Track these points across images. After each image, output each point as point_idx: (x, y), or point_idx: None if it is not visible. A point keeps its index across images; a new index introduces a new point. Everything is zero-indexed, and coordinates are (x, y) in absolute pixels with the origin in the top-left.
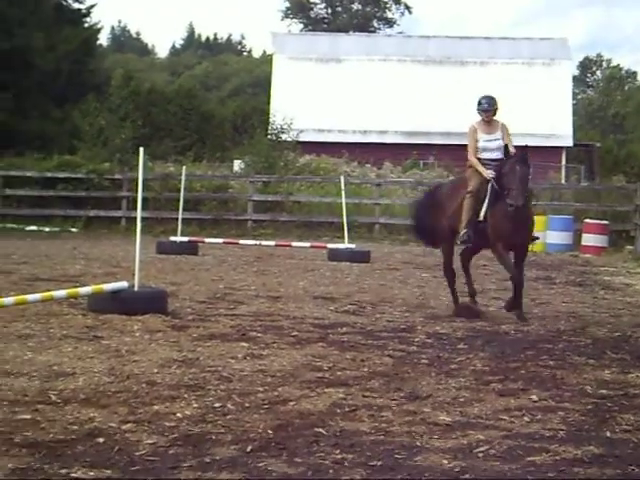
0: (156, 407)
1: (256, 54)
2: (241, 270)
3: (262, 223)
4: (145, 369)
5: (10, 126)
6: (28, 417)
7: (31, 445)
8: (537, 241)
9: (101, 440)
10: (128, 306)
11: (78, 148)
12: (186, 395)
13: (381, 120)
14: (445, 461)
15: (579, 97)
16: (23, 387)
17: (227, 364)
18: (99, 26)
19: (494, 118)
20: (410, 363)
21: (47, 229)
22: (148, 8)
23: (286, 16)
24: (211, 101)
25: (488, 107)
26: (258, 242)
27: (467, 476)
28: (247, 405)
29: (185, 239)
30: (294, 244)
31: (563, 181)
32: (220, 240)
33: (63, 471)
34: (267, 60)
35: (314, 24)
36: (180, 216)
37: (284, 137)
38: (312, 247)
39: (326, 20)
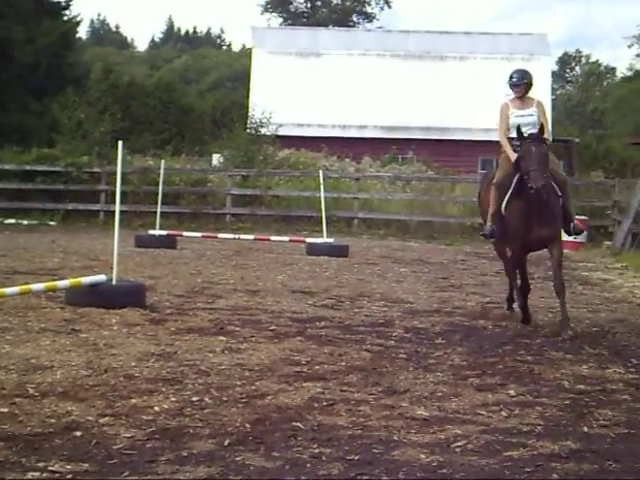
0: (134, 401)
1: (235, 48)
2: (219, 264)
3: (241, 217)
4: (123, 363)
5: None
6: (5, 410)
7: (8, 438)
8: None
9: (78, 434)
10: (106, 299)
11: (57, 141)
12: (164, 389)
13: (360, 115)
14: (423, 456)
15: (558, 92)
16: (0, 380)
17: (205, 358)
18: (78, 19)
19: (529, 95)
20: (388, 358)
21: (25, 222)
22: (127, 1)
23: (266, 10)
24: (190, 95)
25: (517, 81)
26: (237, 236)
27: (444, 471)
28: (225, 399)
29: (164, 233)
30: (273, 238)
31: None
32: (199, 234)
33: (40, 464)
34: (246, 54)
35: (294, 18)
36: (159, 210)
37: (263, 131)
38: (291, 241)
39: (306, 14)
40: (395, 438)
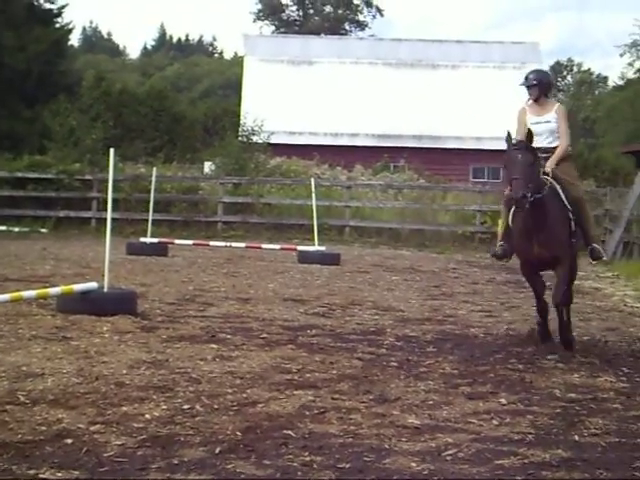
0: (125, 408)
1: (227, 56)
2: (211, 272)
3: (232, 225)
4: (114, 370)
5: None
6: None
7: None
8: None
9: (69, 441)
10: (97, 307)
11: (48, 148)
12: (155, 396)
13: (352, 123)
14: (413, 464)
15: None
16: None
17: (196, 366)
18: (70, 26)
19: (547, 98)
20: (379, 366)
21: (17, 229)
22: (119, 9)
23: (258, 18)
24: (182, 102)
25: (530, 82)
26: (228, 244)
27: (435, 479)
28: (216, 407)
29: (155, 240)
30: (264, 246)
31: None
32: (190, 242)
33: (31, 472)
34: (238, 62)
35: (286, 26)
36: (150, 217)
37: (255, 139)
38: (282, 249)
39: (298, 22)
40: (386, 446)
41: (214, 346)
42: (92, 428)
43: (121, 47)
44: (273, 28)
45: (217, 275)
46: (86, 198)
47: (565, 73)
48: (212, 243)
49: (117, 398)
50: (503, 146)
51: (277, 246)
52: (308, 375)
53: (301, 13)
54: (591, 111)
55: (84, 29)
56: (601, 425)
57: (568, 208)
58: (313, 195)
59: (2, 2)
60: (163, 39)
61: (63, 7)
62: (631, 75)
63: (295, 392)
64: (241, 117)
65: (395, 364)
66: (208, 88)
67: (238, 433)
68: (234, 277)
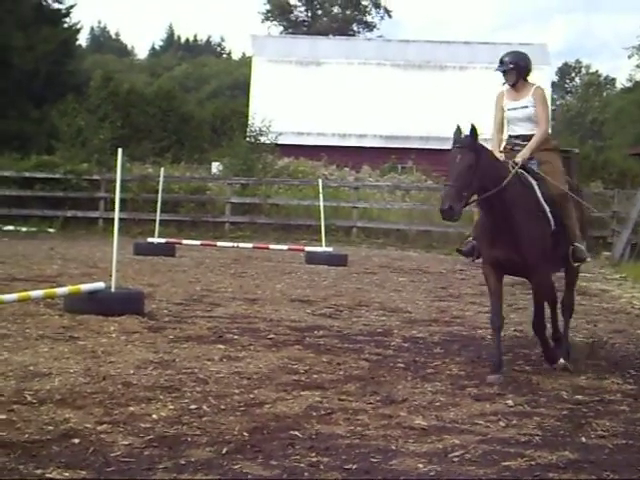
0: (132, 408)
1: (235, 56)
2: (218, 272)
3: (240, 225)
4: (121, 370)
5: None
6: (3, 417)
7: (6, 445)
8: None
9: (76, 441)
10: (105, 307)
11: (56, 148)
12: (162, 397)
13: (360, 124)
14: (420, 465)
15: (558, 103)
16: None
17: (203, 366)
18: (78, 26)
19: (527, 81)
20: (386, 367)
21: (24, 229)
22: (128, 9)
23: (266, 19)
24: (190, 103)
25: (506, 66)
26: (236, 244)
27: None
28: (223, 407)
29: (163, 240)
30: (272, 247)
31: None
32: (198, 242)
33: (38, 471)
34: (246, 62)
35: (294, 27)
36: (158, 217)
37: (263, 139)
38: (290, 250)
39: (306, 23)
40: (393, 447)
41: (221, 346)
42: (99, 428)
43: (129, 47)
44: (281, 29)
45: (224, 275)
46: (94, 198)
47: (573, 75)
48: (220, 243)
49: (124, 398)
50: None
51: (284, 247)
52: (315, 376)
53: (309, 14)
54: (599, 113)
55: (92, 29)
56: (608, 427)
57: (543, 205)
58: (320, 196)
59: (10, 2)
60: (171, 39)
61: (71, 7)
62: (639, 77)
63: (302, 393)
64: (249, 117)
65: (402, 365)
66: (216, 88)
67: (245, 433)
68: (241, 277)
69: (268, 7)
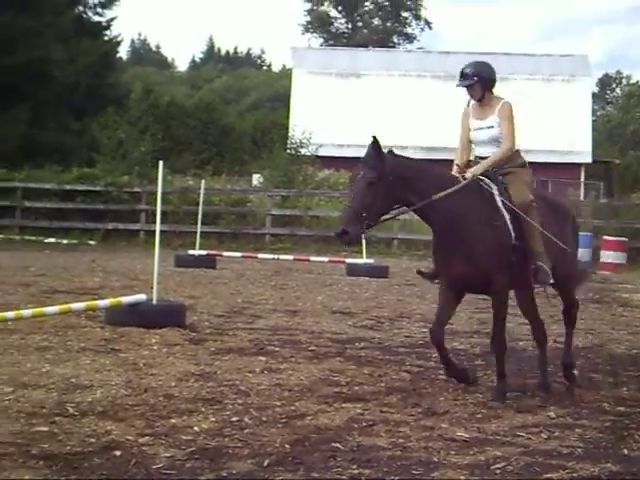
0: (173, 420)
1: (276, 68)
2: (259, 284)
3: (280, 237)
4: (162, 382)
5: (29, 138)
6: (45, 429)
7: (48, 457)
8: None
9: (118, 453)
10: (146, 319)
11: (97, 161)
12: (203, 409)
13: (400, 135)
14: (462, 477)
15: (598, 114)
16: (41, 399)
17: (244, 378)
18: (119, 39)
19: (493, 94)
20: (427, 379)
21: (65, 241)
22: (168, 21)
23: (306, 30)
24: (230, 115)
25: (469, 80)
26: (276, 256)
27: None
28: (264, 419)
29: (203, 253)
30: (312, 259)
31: (582, 198)
32: (238, 254)
33: None
34: (287, 74)
35: (334, 39)
36: (199, 229)
37: (303, 151)
38: (330, 262)
39: (346, 35)
40: (435, 459)
41: (262, 358)
42: (141, 440)
43: (169, 59)
44: (321, 41)
45: (265, 287)
46: (134, 210)
47: (614, 86)
48: (260, 255)
49: (166, 410)
50: (550, 158)
51: (325, 258)
52: (356, 388)
53: (349, 26)
54: None
55: (132, 41)
56: None
57: (503, 214)
58: None
59: (51, 15)
60: (212, 51)
61: (112, 20)
62: None
63: (343, 405)
64: (289, 129)
65: (443, 377)
66: (256, 100)
67: (286, 446)
68: (282, 289)
69: (308, 19)
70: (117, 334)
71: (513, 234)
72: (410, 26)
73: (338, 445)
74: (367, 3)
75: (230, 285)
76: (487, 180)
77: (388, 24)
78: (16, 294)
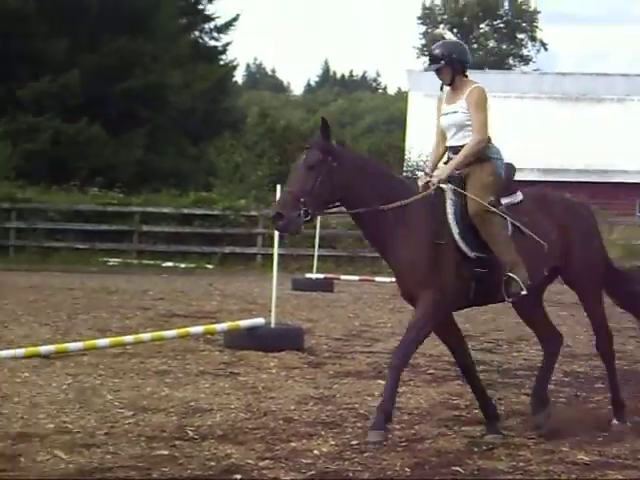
0: (293, 444)
1: (391, 91)
2: (377, 307)
3: None
4: (282, 406)
5: (145, 163)
6: (166, 453)
7: None
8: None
9: (238, 477)
10: (264, 343)
11: (214, 185)
12: (323, 432)
13: (517, 157)
14: None
15: None
16: (161, 423)
17: (364, 401)
18: (235, 63)
19: (467, 78)
20: None
21: (183, 265)
22: (284, 45)
23: (422, 53)
24: (346, 138)
25: (434, 63)
26: (394, 279)
27: None
28: (384, 443)
29: (321, 276)
30: None
31: None
32: (356, 277)
33: None
34: (402, 97)
35: None
36: (316, 253)
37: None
38: None
39: None
40: None
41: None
42: (261, 464)
43: (285, 83)
44: None
45: (383, 311)
46: (252, 234)
47: None
48: (378, 279)
49: (285, 434)
50: None
51: None
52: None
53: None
54: None
55: (248, 66)
56: None
57: (451, 228)
58: None
59: (167, 40)
60: (327, 75)
61: (227, 44)
62: None
63: (463, 428)
64: (405, 152)
65: (563, 400)
66: (372, 123)
67: (406, 469)
68: (400, 312)
69: (423, 42)
70: (236, 358)
71: (466, 248)
72: (526, 47)
73: (458, 469)
74: (482, 25)
75: (348, 308)
76: (448, 187)
77: (504, 46)
78: (135, 318)
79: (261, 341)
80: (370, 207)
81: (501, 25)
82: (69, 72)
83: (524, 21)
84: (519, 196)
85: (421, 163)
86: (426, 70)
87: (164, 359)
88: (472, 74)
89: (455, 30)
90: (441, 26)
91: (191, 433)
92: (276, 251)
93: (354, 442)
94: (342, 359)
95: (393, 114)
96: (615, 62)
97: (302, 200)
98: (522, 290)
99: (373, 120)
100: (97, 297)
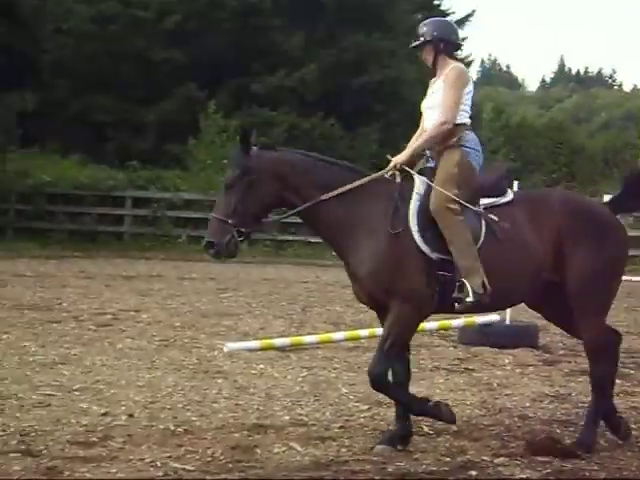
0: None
1: (627, 88)
2: (612, 306)
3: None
4: (517, 403)
5: (380, 157)
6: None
7: (404, 475)
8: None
9: (474, 473)
10: (499, 339)
11: None
12: (558, 430)
13: None
14: None
15: None
16: None
17: None
18: (470, 59)
19: (452, 58)
20: None
21: None
22: (519, 42)
23: None
24: (581, 135)
25: (415, 39)
26: (628, 278)
27: None
28: (620, 442)
29: None
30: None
31: None
32: None
33: None
34: (638, 94)
35: None
36: None
37: None
38: None
39: None
40: None
41: (617, 381)
42: (496, 461)
43: (520, 79)
44: None
45: (618, 309)
46: None
47: None
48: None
49: (520, 431)
50: None
51: None
52: None
53: None
54: None
55: (482, 61)
56: None
57: (409, 223)
58: None
59: (403, 36)
60: (562, 71)
61: (463, 40)
62: None
63: None
64: None
65: None
66: (607, 120)
67: None
68: (636, 311)
69: None
70: (470, 354)
71: (424, 245)
72: None
73: None
74: None
75: None
76: (419, 178)
77: None
78: (369, 312)
79: (495, 338)
80: (309, 202)
81: None
82: (305, 67)
83: None
84: (508, 197)
85: None
86: (411, 47)
87: None
88: None
89: None
90: None
91: (426, 428)
92: None
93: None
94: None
95: (629, 111)
96: None
97: (229, 222)
98: (468, 297)
99: (609, 117)
100: (332, 290)
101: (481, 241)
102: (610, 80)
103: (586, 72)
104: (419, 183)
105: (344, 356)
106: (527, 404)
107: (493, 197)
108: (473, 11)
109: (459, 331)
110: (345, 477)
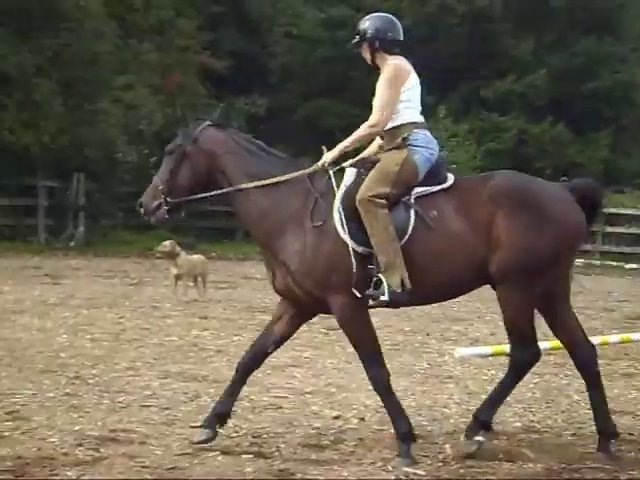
0: None
1: None
2: None
3: None
4: None
5: (611, 162)
6: (633, 455)
7: None
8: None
9: None
10: None
11: None
12: None
13: None
14: None
15: None
16: (628, 426)
17: None
18: None
19: (386, 56)
20: None
21: None
22: None
23: None
24: None
25: (355, 39)
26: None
27: None
28: None
29: None
30: None
31: None
32: None
33: None
34: None
35: None
36: None
37: None
38: None
39: None
40: None
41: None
42: None
43: None
44: None
45: None
46: None
47: None
48: None
49: None
50: None
51: None
52: None
53: None
54: None
55: None
56: None
57: (334, 214)
58: None
59: (634, 40)
60: None
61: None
62: None
63: None
64: None
65: None
66: None
67: None
68: None
69: None
70: None
71: (345, 236)
72: None
73: None
74: None
75: None
76: (350, 170)
77: None
78: (599, 319)
79: None
80: (233, 187)
81: None
82: (535, 72)
83: None
84: (447, 184)
85: None
86: (349, 46)
87: (631, 362)
88: None
89: None
90: None
91: None
92: None
93: None
94: None
95: None
96: None
97: (160, 188)
98: (382, 295)
99: None
100: None
101: (409, 234)
102: None
103: None
104: (349, 174)
105: None
106: None
107: (428, 185)
108: None
109: None
110: None
